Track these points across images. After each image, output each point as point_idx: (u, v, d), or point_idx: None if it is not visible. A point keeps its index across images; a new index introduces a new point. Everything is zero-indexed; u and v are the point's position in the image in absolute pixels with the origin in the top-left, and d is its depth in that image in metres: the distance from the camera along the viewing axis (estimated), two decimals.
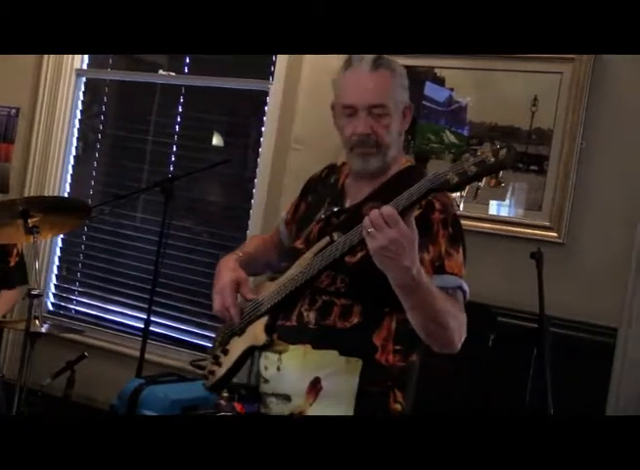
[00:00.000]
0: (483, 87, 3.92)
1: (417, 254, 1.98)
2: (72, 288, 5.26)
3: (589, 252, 3.68)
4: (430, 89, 4.03)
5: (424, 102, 4.05)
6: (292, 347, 2.27)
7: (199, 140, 4.98)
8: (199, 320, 4.65)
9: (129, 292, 4.97)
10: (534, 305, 3.16)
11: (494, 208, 3.87)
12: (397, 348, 2.25)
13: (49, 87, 5.17)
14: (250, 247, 2.66)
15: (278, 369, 2.28)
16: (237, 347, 2.41)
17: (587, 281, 3.63)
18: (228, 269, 2.43)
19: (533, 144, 3.81)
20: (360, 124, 2.26)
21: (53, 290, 5.27)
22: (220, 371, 2.43)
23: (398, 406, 2.26)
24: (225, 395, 2.87)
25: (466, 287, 2.22)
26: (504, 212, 3.85)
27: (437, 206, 2.19)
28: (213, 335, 2.63)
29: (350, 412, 2.21)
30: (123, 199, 4.83)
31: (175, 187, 4.22)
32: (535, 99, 3.79)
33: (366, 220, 1.96)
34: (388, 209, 1.94)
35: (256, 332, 2.34)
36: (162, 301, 4.51)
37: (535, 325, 3.19)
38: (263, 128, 4.55)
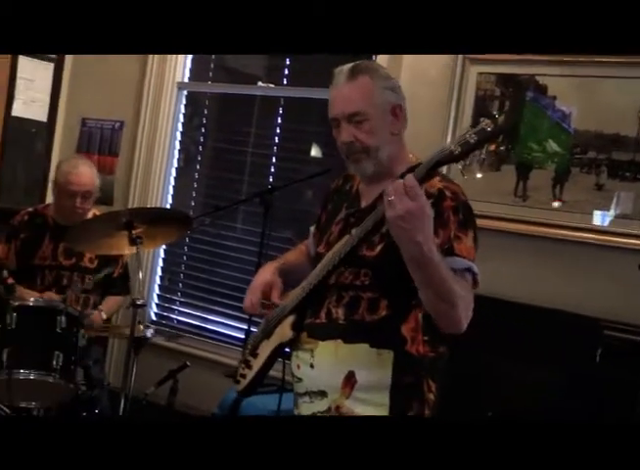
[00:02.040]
0: (587, 95, 3.83)
1: (431, 231, 2.03)
2: (174, 298, 5.32)
3: None
4: (531, 97, 3.96)
5: (525, 110, 3.98)
6: (322, 343, 2.32)
7: (298, 151, 5.00)
8: None
9: (230, 302, 5.00)
10: None
11: (599, 218, 3.77)
12: (426, 338, 2.29)
13: (151, 101, 5.25)
14: (290, 256, 2.76)
15: (311, 366, 2.34)
16: (265, 349, 2.50)
17: None
18: (266, 272, 2.55)
19: None
20: (343, 134, 2.35)
21: (156, 300, 5.35)
22: (250, 374, 2.53)
23: (432, 396, 2.31)
24: None
25: (476, 269, 2.24)
26: (609, 223, 3.75)
27: (448, 194, 2.24)
28: None
29: (386, 403, 2.25)
30: (224, 210, 4.85)
31: (275, 198, 4.22)
32: None
33: (389, 188, 2.00)
34: (411, 179, 1.99)
35: (283, 330, 2.42)
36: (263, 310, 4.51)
37: None
38: None
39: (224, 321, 5.04)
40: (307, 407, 2.37)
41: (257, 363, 2.50)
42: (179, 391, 4.23)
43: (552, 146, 3.91)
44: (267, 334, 2.50)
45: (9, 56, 5.25)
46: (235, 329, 4.92)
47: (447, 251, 2.17)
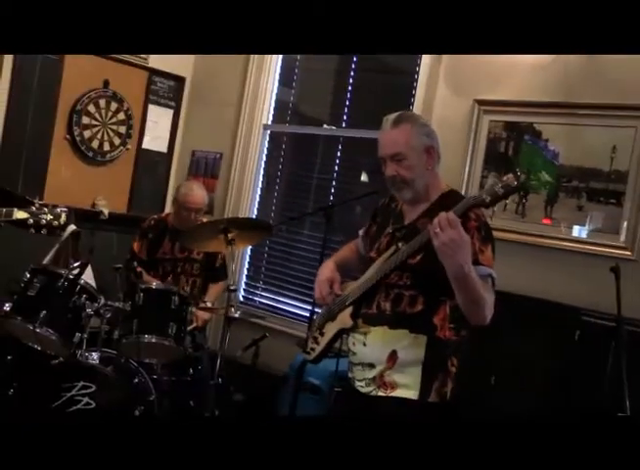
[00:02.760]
0: (572, 138, 3.81)
1: (469, 252, 2.10)
2: (257, 285, 5.35)
3: None
4: (529, 139, 3.94)
5: (524, 149, 3.96)
6: (373, 328, 2.38)
7: (351, 177, 5.00)
8: None
9: (298, 289, 5.02)
10: (613, 308, 3.07)
11: (578, 231, 3.77)
12: (452, 326, 2.34)
13: (244, 138, 5.30)
14: (343, 254, 2.77)
15: (364, 345, 2.40)
16: (330, 329, 2.54)
17: None
18: (327, 269, 2.58)
19: (612, 182, 3.67)
20: (387, 169, 2.38)
21: (243, 286, 5.38)
22: (318, 348, 2.57)
23: (454, 369, 2.35)
24: None
25: (495, 275, 2.27)
26: (587, 236, 3.73)
27: (472, 216, 2.24)
28: None
29: (419, 374, 2.30)
30: (296, 220, 4.91)
31: (334, 212, 4.24)
32: (614, 147, 3.66)
33: (435, 221, 2.07)
34: (451, 214, 2.07)
35: (344, 318, 2.46)
36: None
37: (614, 324, 3.11)
38: None
39: (294, 303, 5.05)
40: (360, 374, 2.42)
41: (324, 340, 2.55)
42: (260, 355, 4.29)
43: (544, 176, 3.89)
44: (332, 317, 2.54)
45: (141, 105, 5.36)
46: (302, 309, 4.92)
47: (474, 261, 2.18)
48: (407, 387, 2.32)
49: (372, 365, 2.38)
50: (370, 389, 2.38)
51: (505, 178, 2.07)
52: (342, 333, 2.51)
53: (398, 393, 2.33)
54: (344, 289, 2.54)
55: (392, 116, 2.40)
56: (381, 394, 2.35)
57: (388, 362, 2.34)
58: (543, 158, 3.89)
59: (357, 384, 2.43)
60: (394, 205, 2.57)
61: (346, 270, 2.67)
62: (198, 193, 4.24)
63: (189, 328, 3.83)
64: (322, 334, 2.57)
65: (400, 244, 2.37)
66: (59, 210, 2.59)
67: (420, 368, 2.32)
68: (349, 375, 2.49)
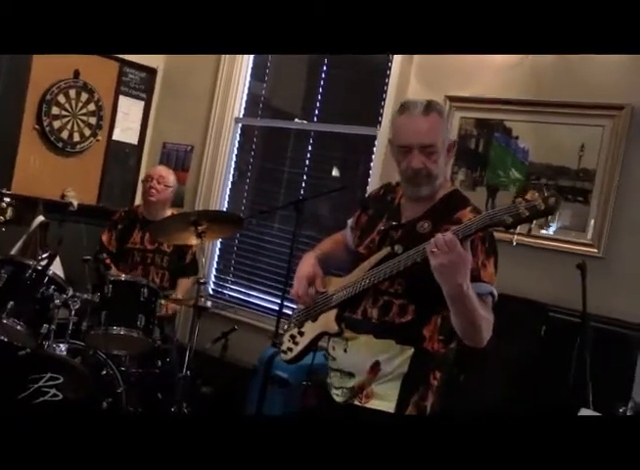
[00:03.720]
0: (542, 136, 3.84)
1: (468, 273, 1.89)
2: (227, 278, 5.33)
3: (623, 264, 3.58)
4: (500, 137, 3.97)
5: (494, 146, 3.99)
6: (356, 335, 2.19)
7: (322, 171, 4.99)
8: None
9: (268, 282, 5.01)
10: (578, 304, 3.10)
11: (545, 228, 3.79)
12: (441, 338, 2.16)
13: (215, 131, 5.27)
14: (326, 246, 2.54)
15: (345, 351, 2.21)
16: (311, 330, 2.33)
17: (621, 286, 3.54)
18: (308, 264, 2.36)
19: (580, 180, 3.71)
20: (414, 160, 2.12)
21: (213, 279, 5.36)
22: (297, 349, 2.36)
23: (435, 382, 2.18)
24: None
25: (495, 292, 2.10)
26: (554, 233, 3.75)
27: None
28: None
29: (398, 387, 2.14)
30: (266, 214, 4.91)
31: (304, 206, 4.25)
32: (582, 146, 3.70)
33: (432, 241, 1.88)
34: (450, 236, 1.85)
35: (328, 321, 2.26)
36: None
37: (579, 320, 3.14)
38: (372, 163, 4.55)
39: (263, 296, 5.03)
40: (337, 381, 2.25)
41: (303, 342, 2.35)
42: (229, 348, 4.28)
43: (514, 173, 3.92)
44: (313, 316, 2.33)
45: (112, 96, 5.31)
46: (271, 302, 4.91)
47: (475, 277, 1.99)
48: (383, 398, 2.15)
49: (351, 374, 2.20)
50: (344, 399, 2.21)
51: (530, 197, 1.82)
52: (323, 335, 2.30)
53: (373, 403, 2.16)
54: (327, 286, 2.33)
55: (421, 101, 2.16)
56: (356, 402, 2.18)
57: (369, 373, 2.16)
58: (513, 155, 3.93)
59: (333, 391, 2.26)
60: (391, 197, 2.35)
61: (331, 264, 2.46)
62: (163, 168, 4.38)
63: (157, 315, 3.80)
64: (301, 333, 2.37)
65: (397, 247, 2.14)
66: (3, 203, 2.49)
67: (400, 380, 2.14)
68: (327, 380, 2.31)
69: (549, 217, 1.83)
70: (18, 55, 4.68)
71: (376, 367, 2.16)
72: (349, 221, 2.51)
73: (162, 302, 3.86)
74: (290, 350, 2.39)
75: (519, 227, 1.85)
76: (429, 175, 2.14)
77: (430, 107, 2.14)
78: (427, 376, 2.17)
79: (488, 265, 2.09)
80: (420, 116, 2.13)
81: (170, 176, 4.33)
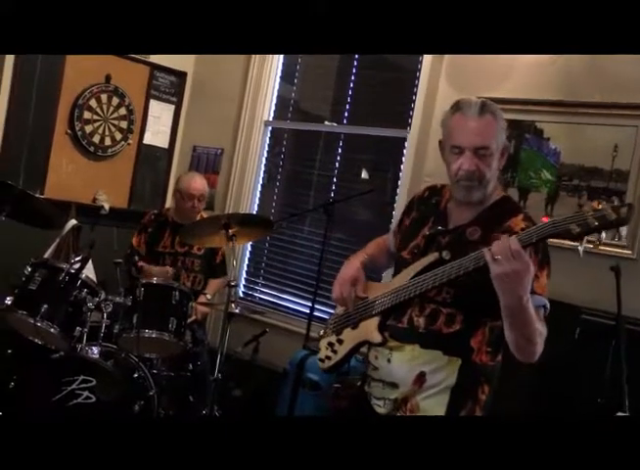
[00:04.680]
0: (574, 136, 3.80)
1: (530, 284, 1.80)
2: (257, 281, 5.34)
3: None
4: (531, 138, 3.94)
5: (525, 147, 3.96)
6: (401, 344, 2.11)
7: (352, 174, 4.99)
8: None
9: (299, 285, 5.02)
10: (613, 306, 3.06)
11: None
12: (489, 350, 2.07)
13: (245, 134, 5.29)
14: (371, 250, 2.42)
15: (388, 361, 2.12)
16: (350, 338, 2.25)
17: None
18: (352, 267, 2.27)
19: (613, 181, 3.66)
20: (467, 162, 2.03)
21: (244, 282, 5.37)
22: (335, 357, 2.29)
23: (484, 397, 2.09)
24: None
25: (548, 305, 2.01)
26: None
27: None
28: None
29: (446, 400, 2.05)
30: (296, 216, 4.92)
31: (334, 208, 4.25)
32: (616, 146, 3.65)
33: (494, 247, 1.78)
34: (515, 244, 1.75)
35: (370, 329, 2.17)
36: (323, 292, 4.54)
37: (613, 322, 3.10)
38: (402, 165, 4.54)
39: (293, 299, 5.04)
40: (379, 392, 2.16)
41: (342, 350, 2.26)
42: (259, 351, 4.29)
43: (545, 175, 3.89)
44: (353, 323, 2.24)
45: (143, 100, 5.36)
46: (301, 305, 4.92)
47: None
48: (429, 412, 2.06)
49: (394, 385, 2.11)
50: (387, 411, 2.13)
51: (601, 207, 1.69)
52: (364, 344, 2.21)
53: None
54: (368, 292, 2.24)
55: (476, 100, 2.07)
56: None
57: (413, 385, 2.07)
58: (544, 156, 3.89)
59: (374, 401, 2.17)
60: (436, 200, 2.25)
61: (374, 269, 2.40)
62: (200, 180, 4.33)
63: (188, 321, 3.83)
64: (340, 341, 2.28)
65: (445, 253, 2.03)
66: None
67: (448, 394, 2.05)
68: (366, 388, 2.22)
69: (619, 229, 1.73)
70: (50, 61, 4.77)
71: (421, 378, 2.08)
72: (392, 226, 2.42)
73: (192, 305, 3.88)
74: (328, 358, 2.32)
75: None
76: (481, 179, 2.05)
77: (485, 107, 2.05)
78: (475, 390, 2.09)
79: (541, 277, 2.00)
80: (475, 116, 2.04)
81: (206, 188, 4.36)
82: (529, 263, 1.77)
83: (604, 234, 1.70)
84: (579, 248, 1.74)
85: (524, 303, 1.81)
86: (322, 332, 2.40)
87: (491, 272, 1.79)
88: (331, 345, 2.31)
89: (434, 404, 2.06)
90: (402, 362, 2.10)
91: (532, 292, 1.90)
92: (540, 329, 1.93)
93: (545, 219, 1.79)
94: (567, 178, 3.81)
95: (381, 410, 2.15)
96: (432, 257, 2.07)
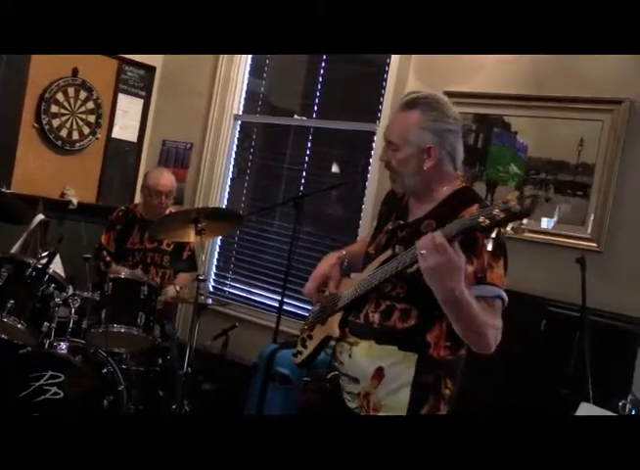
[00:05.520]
0: (541, 131, 3.84)
1: (462, 276, 1.79)
2: (227, 275, 5.33)
3: (623, 258, 3.59)
4: (498, 132, 3.97)
5: (493, 141, 3.99)
6: (359, 340, 2.12)
7: (322, 168, 4.99)
8: None
9: (268, 279, 5.02)
10: (578, 298, 3.10)
11: (545, 223, 3.79)
12: (448, 344, 2.05)
13: (214, 128, 5.27)
14: (353, 246, 2.44)
15: (350, 356, 2.15)
16: (319, 334, 2.29)
17: (620, 281, 3.54)
18: (327, 263, 2.30)
19: (579, 175, 3.71)
20: (382, 153, 2.15)
21: (213, 276, 5.36)
22: (305, 352, 2.33)
23: (447, 391, 2.07)
24: None
25: (505, 296, 1.99)
26: (554, 227, 3.76)
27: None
28: None
29: (407, 396, 2.04)
30: (266, 210, 4.91)
31: (304, 202, 4.25)
32: (582, 140, 3.70)
33: (419, 243, 1.81)
34: (439, 236, 1.77)
35: (333, 325, 2.21)
36: (293, 286, 4.54)
37: (578, 314, 3.14)
38: (371, 159, 4.55)
39: (263, 293, 5.04)
40: (345, 386, 2.18)
41: (311, 346, 2.30)
42: (229, 345, 4.28)
43: (513, 168, 3.92)
44: (322, 320, 2.29)
45: (111, 94, 5.31)
46: (271, 299, 4.92)
47: (480, 279, 1.93)
48: (393, 409, 2.06)
49: (356, 380, 2.12)
50: (355, 405, 2.14)
51: (508, 198, 1.74)
52: (328, 340, 2.25)
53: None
54: (341, 287, 2.26)
55: (409, 95, 2.09)
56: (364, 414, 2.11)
57: (372, 380, 2.08)
58: (512, 150, 3.93)
59: (345, 395, 2.19)
60: (400, 195, 2.25)
61: (356, 266, 2.36)
62: (167, 176, 4.29)
63: (159, 303, 3.80)
64: (310, 337, 2.33)
65: (398, 248, 2.03)
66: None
67: (408, 389, 2.04)
68: (340, 381, 2.24)
69: (523, 223, 1.72)
70: (16, 54, 4.69)
71: (379, 373, 2.08)
72: (374, 222, 2.40)
73: (161, 298, 3.86)
74: (300, 353, 2.36)
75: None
76: (393, 171, 2.11)
77: (411, 104, 2.06)
78: (437, 385, 2.06)
79: (496, 267, 1.98)
80: (397, 111, 2.09)
81: (174, 183, 4.33)
82: (455, 256, 1.77)
83: (525, 221, 1.72)
84: (491, 236, 1.77)
85: (457, 295, 1.81)
86: (302, 328, 2.43)
87: (421, 269, 1.81)
88: (303, 340, 2.35)
89: (395, 400, 2.06)
90: (361, 358, 2.11)
91: (485, 282, 1.93)
92: (489, 321, 1.91)
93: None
94: (534, 172, 3.85)
95: (350, 404, 2.17)
96: (387, 253, 2.09)
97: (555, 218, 3.77)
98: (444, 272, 1.78)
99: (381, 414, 2.08)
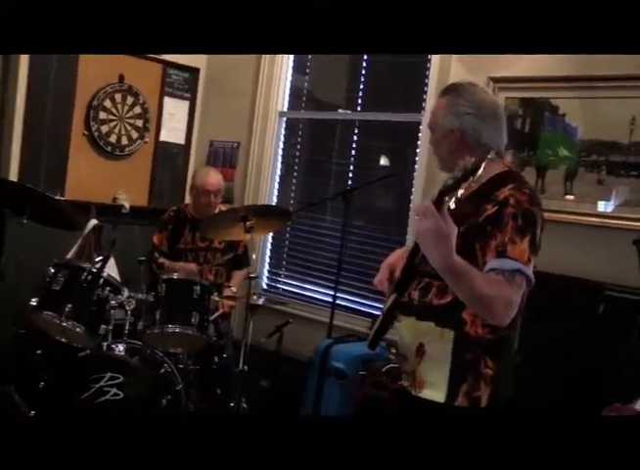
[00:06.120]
0: (590, 111, 3.75)
1: (451, 245, 1.82)
2: (280, 272, 5.36)
3: None
4: (546, 115, 3.90)
5: (546, 127, 3.91)
6: (404, 317, 2.18)
7: (369, 161, 4.98)
8: (373, 295, 4.62)
9: (321, 274, 5.02)
10: (636, 281, 3.06)
11: (602, 206, 3.70)
12: (487, 322, 2.02)
13: (260, 126, 5.30)
14: None
15: (400, 335, 2.22)
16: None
17: None
18: (394, 255, 2.35)
19: (633, 154, 3.61)
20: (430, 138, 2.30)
21: (266, 273, 5.39)
22: (370, 332, 2.31)
23: (488, 371, 2.06)
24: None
25: (526, 270, 1.96)
26: (610, 209, 3.67)
27: (511, 201, 1.98)
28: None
29: (447, 374, 2.07)
30: (315, 206, 4.91)
31: (353, 196, 4.24)
32: (633, 118, 3.60)
33: (415, 208, 1.89)
34: (427, 203, 1.85)
35: (389, 305, 2.21)
36: (345, 281, 4.54)
37: (637, 297, 3.07)
38: (418, 150, 4.52)
39: (316, 289, 5.05)
40: (401, 365, 2.26)
41: (374, 326, 2.26)
42: (284, 341, 4.30)
43: (563, 151, 3.84)
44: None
45: (157, 98, 5.38)
46: (325, 294, 4.91)
47: (500, 253, 1.94)
48: (434, 386, 2.10)
49: (405, 357, 2.20)
50: (408, 383, 2.20)
51: (465, 161, 1.81)
52: (391, 312, 2.24)
53: (426, 393, 2.12)
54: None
55: (453, 84, 2.23)
56: (413, 393, 2.16)
57: (415, 356, 2.14)
58: (561, 133, 3.84)
59: (403, 376, 2.25)
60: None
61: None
62: (214, 175, 4.32)
63: (216, 315, 3.85)
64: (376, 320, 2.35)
65: None
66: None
67: (448, 367, 2.07)
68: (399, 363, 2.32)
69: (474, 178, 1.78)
70: (64, 62, 4.79)
71: (421, 349, 2.13)
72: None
73: (216, 298, 3.89)
74: (367, 335, 2.34)
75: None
76: (435, 153, 2.26)
77: (445, 90, 2.22)
78: (476, 364, 2.07)
79: (519, 242, 1.96)
80: (437, 98, 2.25)
81: (222, 182, 4.36)
82: (440, 222, 1.81)
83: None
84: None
85: (448, 262, 1.84)
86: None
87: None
88: (372, 323, 2.38)
89: (436, 377, 2.10)
90: (405, 335, 2.19)
91: (505, 256, 1.94)
92: (501, 293, 1.90)
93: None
94: (585, 154, 3.76)
95: (404, 383, 2.21)
96: None
97: (611, 201, 3.68)
98: (433, 238, 1.82)
99: (426, 391, 2.12)
